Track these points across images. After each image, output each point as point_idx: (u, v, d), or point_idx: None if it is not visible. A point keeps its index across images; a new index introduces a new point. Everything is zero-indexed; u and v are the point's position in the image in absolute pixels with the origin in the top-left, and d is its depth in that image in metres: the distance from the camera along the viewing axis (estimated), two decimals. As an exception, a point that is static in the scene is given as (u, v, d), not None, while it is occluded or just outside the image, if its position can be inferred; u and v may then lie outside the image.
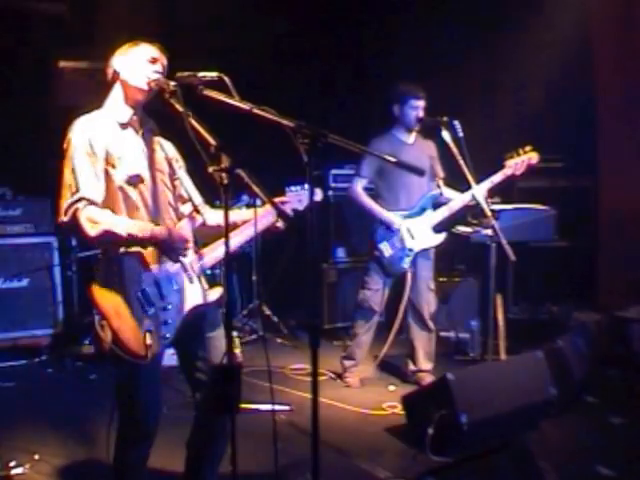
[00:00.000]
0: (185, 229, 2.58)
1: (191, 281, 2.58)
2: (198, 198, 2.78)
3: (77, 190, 2.39)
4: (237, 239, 2.62)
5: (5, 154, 5.43)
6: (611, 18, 5.73)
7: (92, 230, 2.36)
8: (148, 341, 2.38)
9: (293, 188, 2.82)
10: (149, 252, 2.48)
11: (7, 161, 5.43)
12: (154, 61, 2.55)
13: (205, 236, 2.71)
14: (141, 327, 2.40)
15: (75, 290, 5.51)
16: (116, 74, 2.57)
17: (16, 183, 5.54)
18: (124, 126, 2.57)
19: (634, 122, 5.59)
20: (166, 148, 2.72)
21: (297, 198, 2.77)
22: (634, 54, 5.53)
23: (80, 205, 2.38)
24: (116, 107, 2.58)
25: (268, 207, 2.63)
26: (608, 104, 5.83)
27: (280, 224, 2.69)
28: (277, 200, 2.59)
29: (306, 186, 2.77)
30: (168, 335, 2.47)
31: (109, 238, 2.39)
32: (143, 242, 2.44)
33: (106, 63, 2.59)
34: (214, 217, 2.73)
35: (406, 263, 4.62)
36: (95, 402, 4.07)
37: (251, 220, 2.60)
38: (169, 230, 2.49)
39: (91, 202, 2.40)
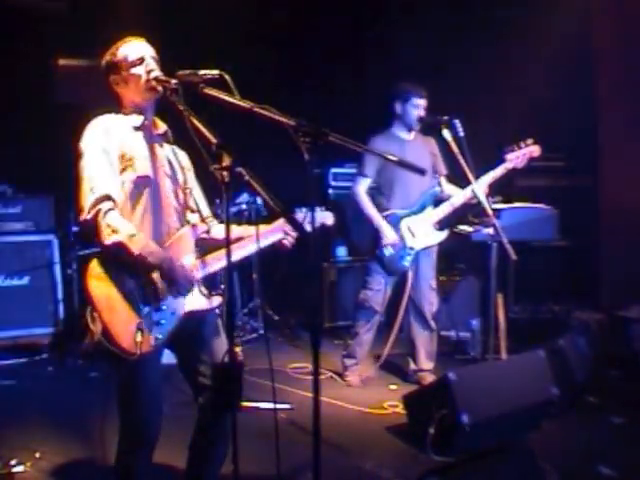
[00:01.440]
0: (187, 237, 2.58)
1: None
2: (207, 210, 2.78)
3: (97, 189, 2.39)
4: (240, 252, 2.58)
5: (5, 151, 5.42)
6: (612, 16, 5.72)
7: (108, 238, 2.35)
8: (138, 338, 2.36)
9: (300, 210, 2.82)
10: None
11: (7, 158, 5.43)
12: (141, 61, 2.53)
13: (209, 249, 2.70)
14: (132, 324, 2.38)
15: (75, 288, 5.51)
16: (115, 91, 2.59)
17: (16, 180, 5.55)
18: (137, 129, 2.58)
19: (635, 121, 5.58)
20: (180, 157, 2.73)
21: (304, 220, 2.74)
22: (636, 53, 5.52)
23: (103, 207, 2.37)
24: (127, 112, 2.59)
25: (276, 224, 2.65)
26: (609, 103, 5.82)
27: (287, 242, 2.66)
28: (283, 221, 2.58)
29: (322, 208, 2.80)
30: (160, 336, 2.45)
31: (120, 250, 2.37)
32: (149, 266, 2.42)
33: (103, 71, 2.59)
34: (220, 231, 2.73)
35: (407, 262, 4.61)
36: (95, 400, 4.05)
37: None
38: (174, 266, 2.47)
39: (113, 201, 2.40)
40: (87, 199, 2.39)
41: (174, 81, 2.39)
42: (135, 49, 2.56)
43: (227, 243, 2.17)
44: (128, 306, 2.40)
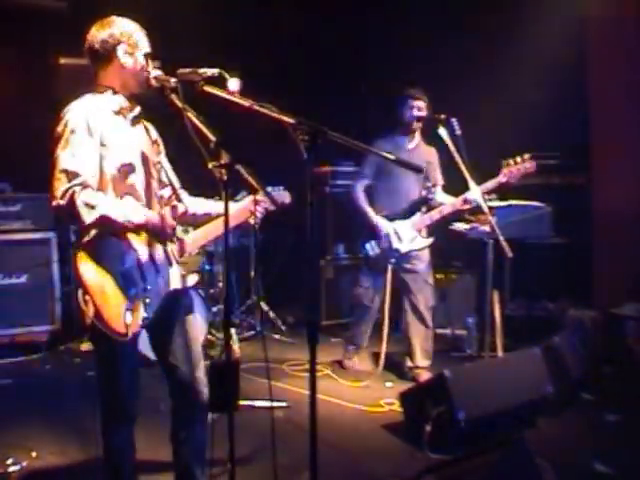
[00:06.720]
0: (167, 216, 2.62)
1: (170, 265, 2.62)
2: (177, 183, 2.80)
3: (76, 174, 2.33)
4: (213, 232, 2.74)
5: (4, 150, 5.42)
6: (606, 20, 5.73)
7: (88, 216, 2.31)
8: (128, 320, 2.40)
9: (268, 189, 2.87)
10: (134, 234, 2.49)
11: (6, 157, 5.42)
12: (149, 57, 2.56)
13: (183, 223, 2.79)
14: (122, 306, 2.41)
15: (74, 286, 5.49)
16: (117, 60, 2.55)
17: (15, 179, 5.54)
18: (117, 114, 2.56)
19: (628, 121, 5.60)
20: (151, 131, 2.73)
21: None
22: (628, 54, 5.54)
23: (77, 188, 2.32)
24: (108, 94, 2.56)
25: (243, 203, 2.80)
26: (602, 102, 5.83)
27: (253, 220, 2.78)
28: (250, 200, 2.73)
29: (281, 188, 2.94)
30: (147, 316, 2.49)
31: (105, 223, 2.36)
32: (138, 228, 2.46)
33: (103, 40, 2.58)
34: (196, 206, 2.81)
35: (391, 263, 4.71)
36: (93, 399, 4.06)
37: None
38: (161, 216, 2.55)
39: (88, 184, 2.36)
40: (60, 184, 2.33)
41: (173, 80, 2.40)
42: (145, 41, 2.59)
43: (226, 244, 2.18)
44: (117, 289, 2.42)
